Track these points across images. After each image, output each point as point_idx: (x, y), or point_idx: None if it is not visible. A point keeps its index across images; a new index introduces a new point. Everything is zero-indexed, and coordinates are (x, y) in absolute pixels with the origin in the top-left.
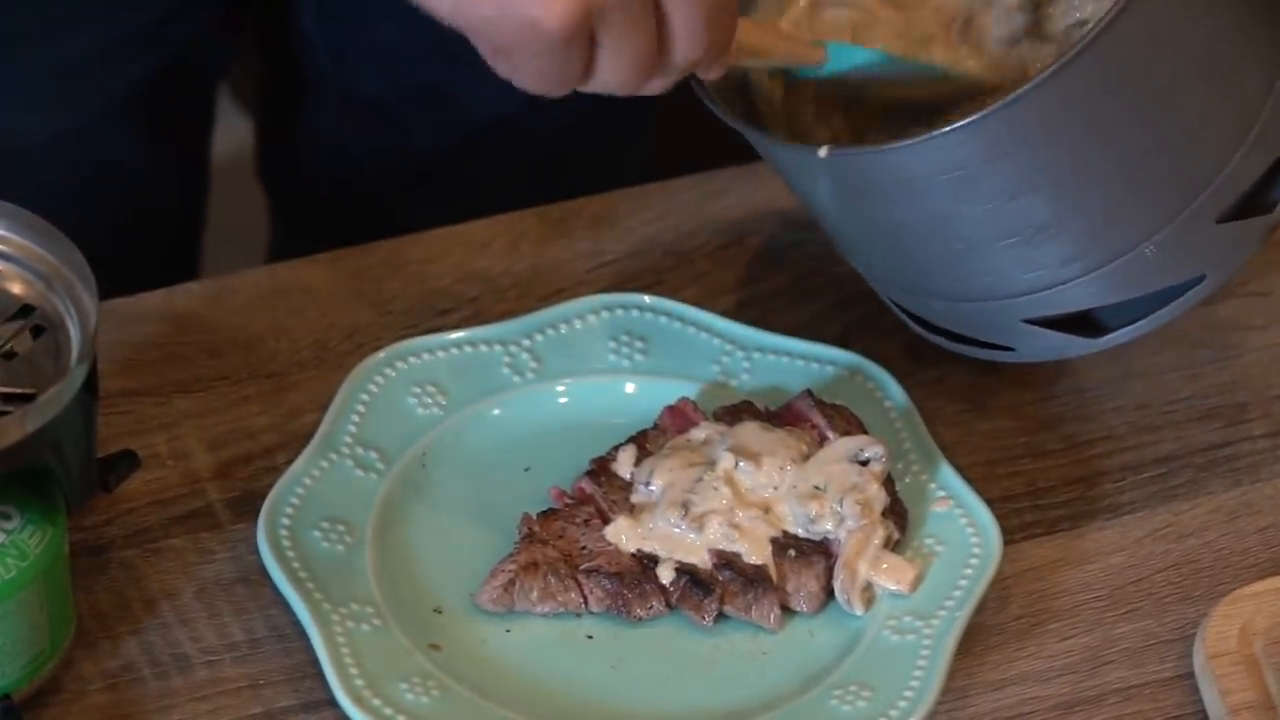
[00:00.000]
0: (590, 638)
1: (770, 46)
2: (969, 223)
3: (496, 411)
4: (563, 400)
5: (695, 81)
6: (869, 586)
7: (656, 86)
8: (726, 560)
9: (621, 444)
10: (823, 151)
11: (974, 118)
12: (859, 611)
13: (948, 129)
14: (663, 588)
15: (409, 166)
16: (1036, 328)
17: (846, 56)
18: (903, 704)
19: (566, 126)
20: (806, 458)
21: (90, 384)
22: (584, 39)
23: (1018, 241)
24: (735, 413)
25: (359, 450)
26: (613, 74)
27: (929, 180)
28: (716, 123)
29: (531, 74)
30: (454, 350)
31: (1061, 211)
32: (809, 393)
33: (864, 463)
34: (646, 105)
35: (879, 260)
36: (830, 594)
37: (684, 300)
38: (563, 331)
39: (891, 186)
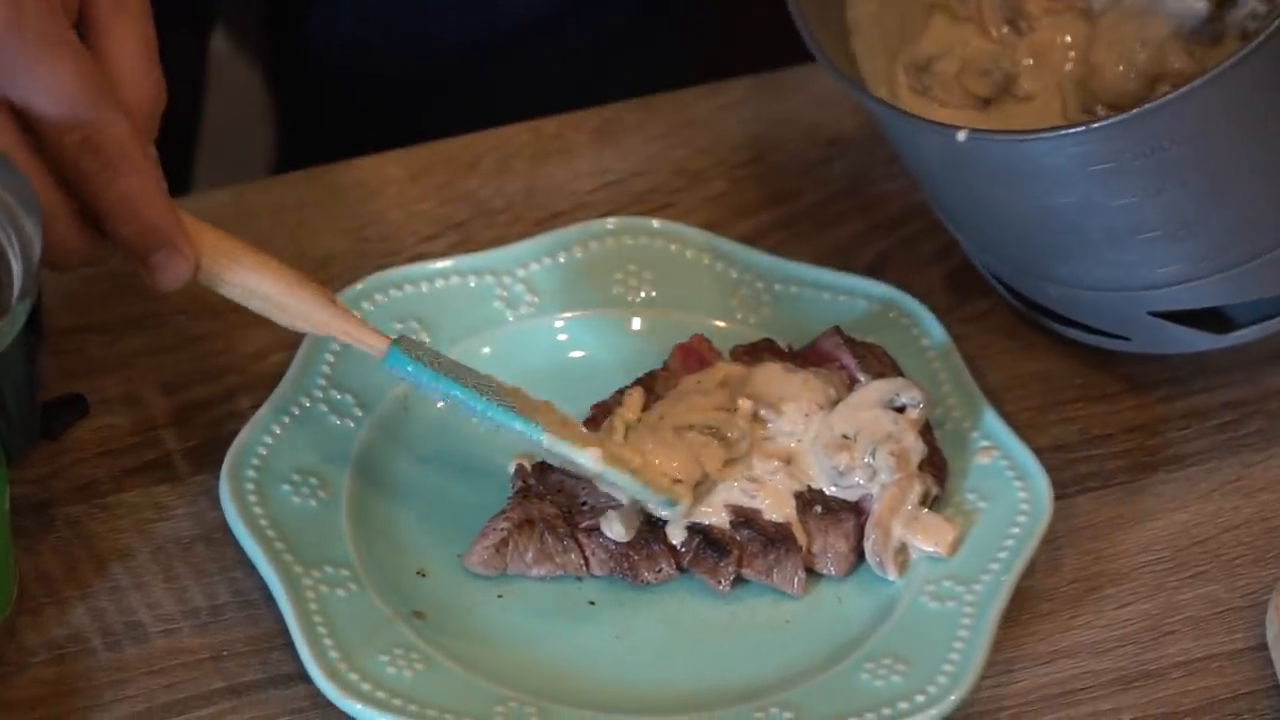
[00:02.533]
0: (592, 604)
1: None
2: (1109, 215)
3: (487, 350)
4: (561, 338)
5: (799, 20)
6: (904, 548)
7: None
8: (745, 518)
9: (627, 387)
10: (962, 135)
11: (1133, 113)
12: (893, 576)
13: (1105, 122)
14: (673, 549)
15: (431, 69)
16: (1161, 320)
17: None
18: (942, 679)
19: (611, 31)
20: (834, 403)
21: (34, 322)
22: None
23: (1157, 236)
24: (755, 352)
25: (333, 394)
26: None
27: (1074, 171)
28: (783, 31)
29: None
30: (439, 281)
31: (1205, 209)
32: (837, 329)
33: (899, 409)
34: (704, 7)
35: (995, 241)
36: (861, 556)
37: (697, 225)
38: (561, 260)
39: (1032, 174)
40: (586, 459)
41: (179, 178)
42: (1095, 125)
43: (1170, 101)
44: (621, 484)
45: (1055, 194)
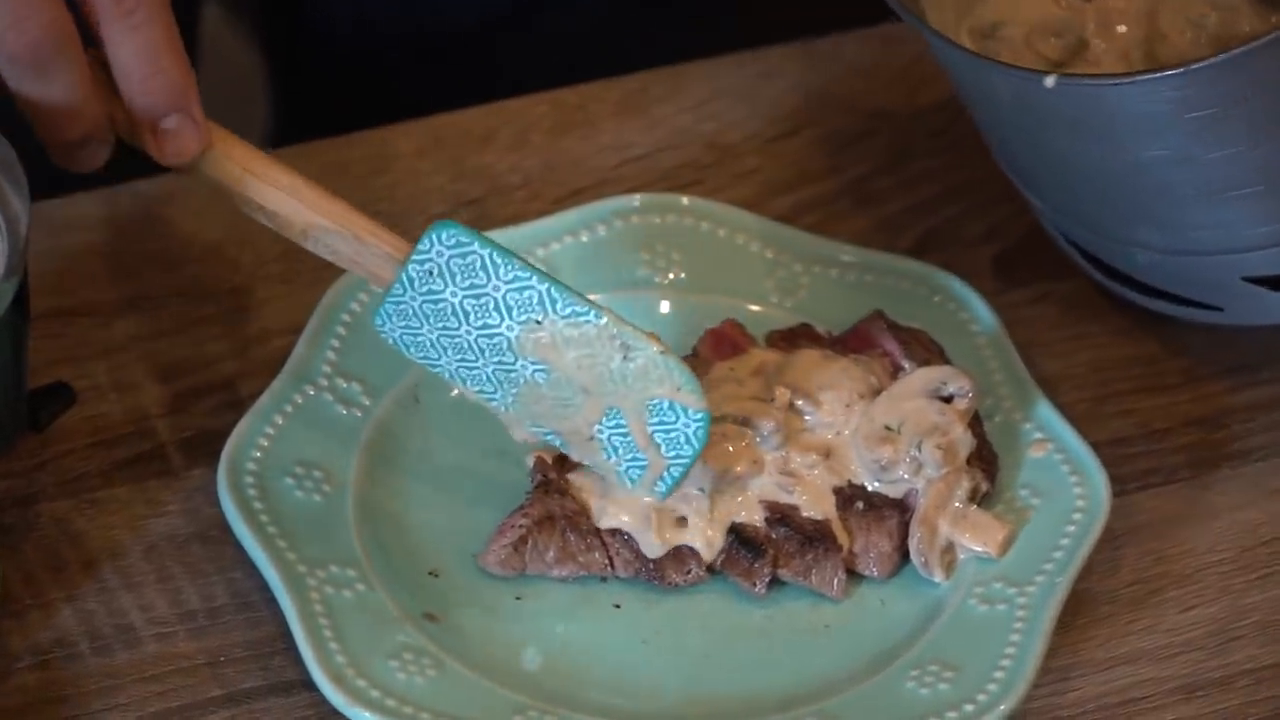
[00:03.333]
0: (617, 607)
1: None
2: (1204, 169)
3: None
4: None
5: None
6: (951, 547)
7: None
8: (781, 515)
9: None
10: (1050, 81)
11: (1237, 51)
12: (939, 578)
13: (1206, 63)
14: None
15: (438, 37)
16: (1257, 287)
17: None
18: (992, 687)
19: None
20: (877, 392)
21: (20, 303)
22: None
23: (1257, 193)
24: (791, 337)
25: (339, 382)
26: None
27: (1171, 119)
28: None
29: None
30: None
31: None
32: (880, 314)
33: (946, 399)
34: None
35: (1077, 203)
36: (905, 556)
37: (729, 202)
38: (583, 240)
39: (1124, 123)
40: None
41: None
42: (1196, 66)
43: (1269, 43)
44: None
45: (1147, 146)
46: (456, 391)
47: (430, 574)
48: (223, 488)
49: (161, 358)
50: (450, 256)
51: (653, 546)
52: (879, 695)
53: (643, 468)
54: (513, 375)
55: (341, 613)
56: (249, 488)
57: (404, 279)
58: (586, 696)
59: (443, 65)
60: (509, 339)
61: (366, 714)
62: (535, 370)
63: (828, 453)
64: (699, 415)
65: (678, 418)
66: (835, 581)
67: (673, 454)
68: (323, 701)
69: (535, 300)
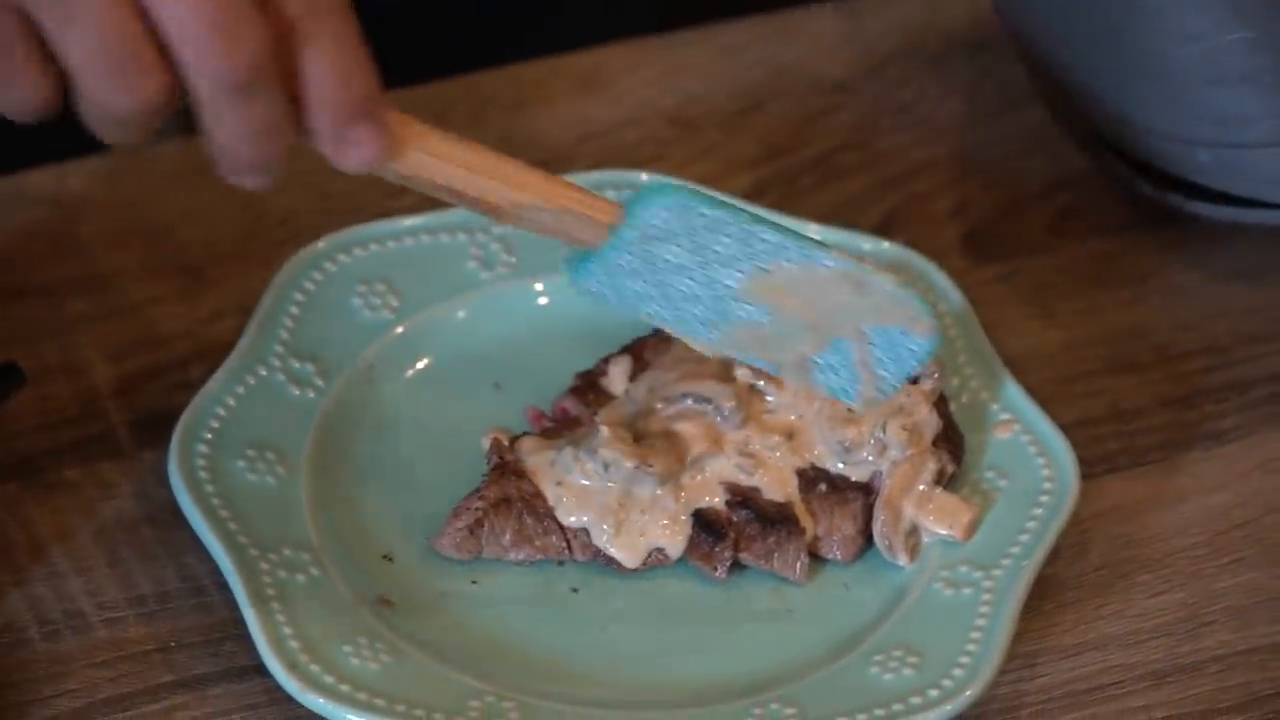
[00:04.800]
0: (575, 592)
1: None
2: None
3: (461, 315)
4: (542, 301)
5: None
6: (915, 531)
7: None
8: (743, 498)
9: (613, 355)
10: None
11: None
12: (903, 561)
13: None
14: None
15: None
16: None
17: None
18: (958, 672)
19: None
20: None
21: None
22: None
23: None
24: None
25: (292, 362)
26: (79, 84)
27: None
28: None
29: None
30: (408, 240)
31: None
32: None
33: (911, 379)
34: None
35: (1145, 102)
36: (869, 539)
37: (690, 179)
38: None
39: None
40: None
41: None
42: None
43: None
44: None
45: (1231, 27)
46: (412, 371)
47: (384, 558)
48: (174, 470)
49: (112, 338)
50: (669, 218)
51: (622, 557)
52: (842, 681)
53: (857, 386)
54: (729, 317)
55: (294, 597)
56: (200, 470)
57: (619, 241)
58: (543, 683)
59: (397, 41)
60: (733, 288)
61: (320, 700)
62: (759, 313)
63: (790, 434)
64: (926, 341)
65: (902, 343)
66: (798, 565)
67: (891, 377)
68: (276, 687)
69: (764, 251)
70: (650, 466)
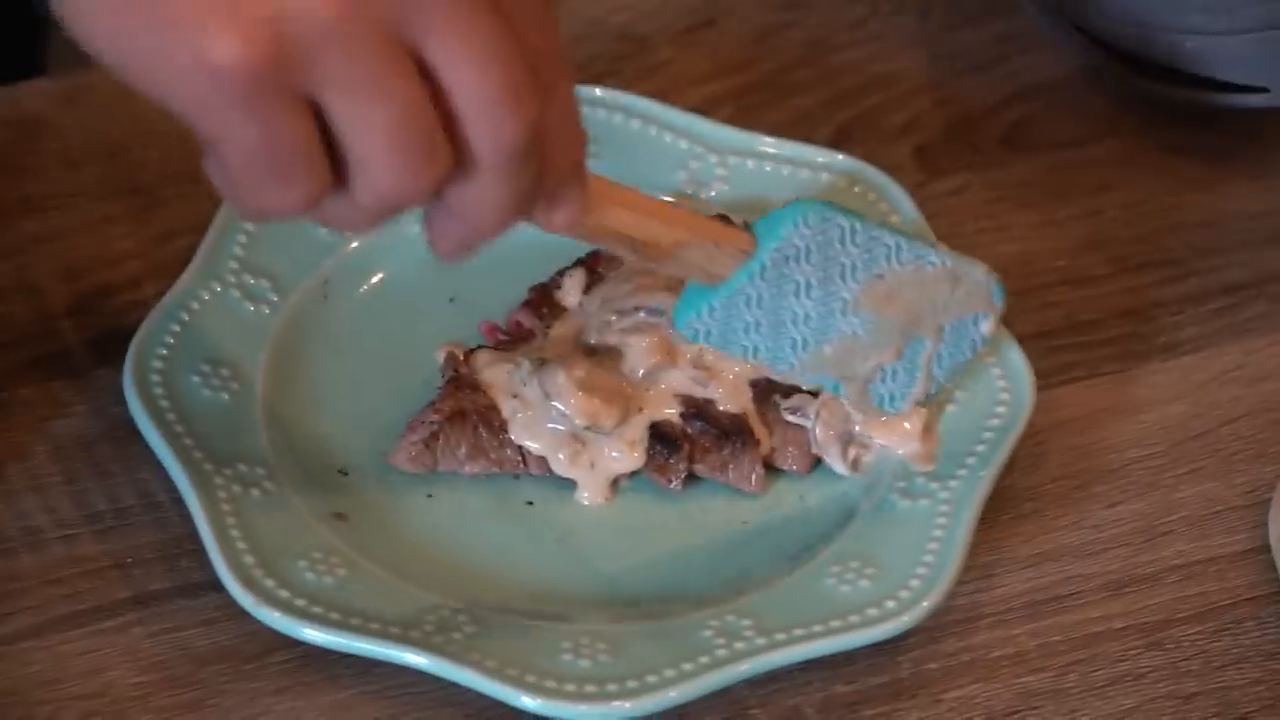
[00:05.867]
0: (530, 504)
1: (693, 222)
2: None
3: (416, 229)
4: None
5: None
6: (853, 439)
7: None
8: (696, 409)
9: (567, 268)
10: None
11: None
12: (841, 469)
13: None
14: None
15: None
16: None
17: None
18: (915, 583)
19: None
20: None
21: None
22: (288, 96)
23: None
24: None
25: (246, 278)
26: (369, 170)
27: None
28: None
29: (238, 162)
30: None
31: None
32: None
33: None
34: None
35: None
36: None
37: (643, 94)
38: None
39: None
40: None
41: (31, 57)
42: None
43: None
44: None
45: None
46: (366, 286)
47: (340, 472)
48: (129, 387)
49: (66, 257)
50: (813, 236)
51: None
52: (799, 592)
53: (910, 390)
54: (829, 332)
55: (249, 512)
56: (155, 386)
57: (753, 270)
58: (498, 596)
59: None
60: (846, 300)
61: (275, 614)
62: (860, 324)
63: None
64: (986, 330)
65: (966, 334)
66: (753, 476)
67: (943, 373)
68: (231, 602)
69: (883, 255)
70: (604, 427)
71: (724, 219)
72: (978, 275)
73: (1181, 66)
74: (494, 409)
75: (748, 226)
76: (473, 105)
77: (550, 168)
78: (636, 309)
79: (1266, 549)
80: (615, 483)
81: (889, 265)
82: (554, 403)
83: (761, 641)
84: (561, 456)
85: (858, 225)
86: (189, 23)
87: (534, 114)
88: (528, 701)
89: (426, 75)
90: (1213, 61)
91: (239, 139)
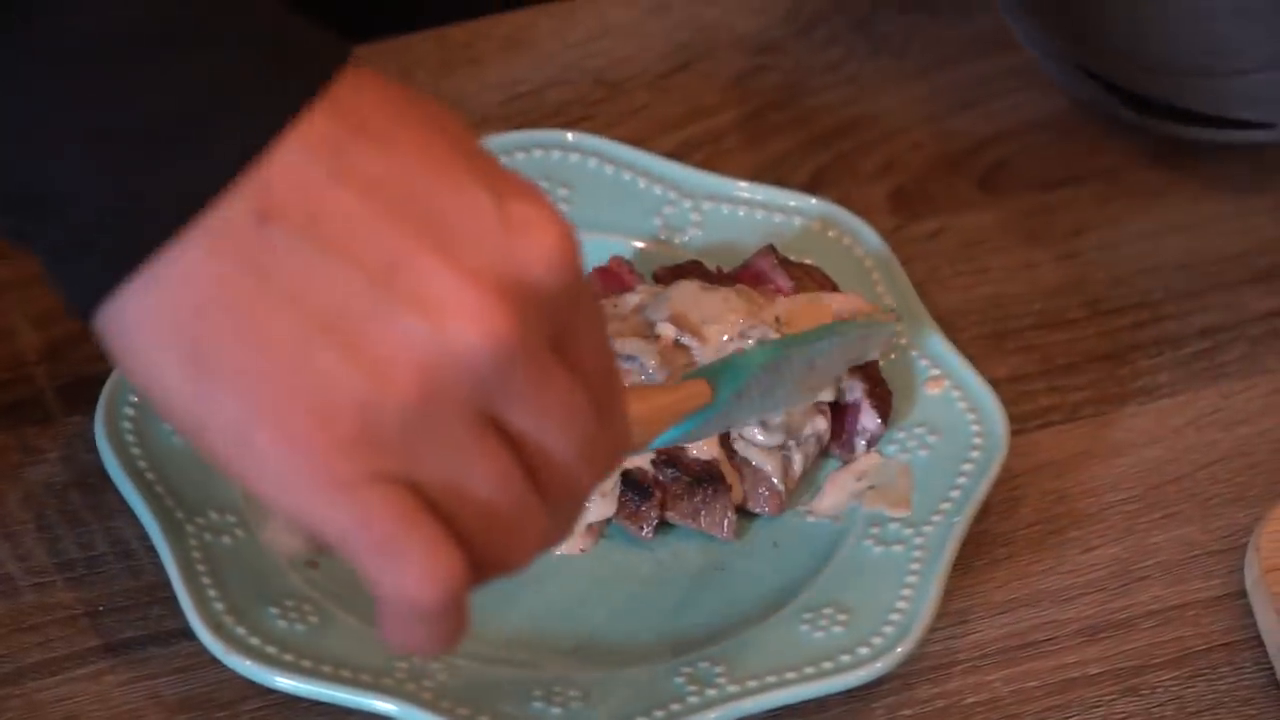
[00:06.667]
0: None
1: (663, 413)
2: None
3: None
4: None
5: None
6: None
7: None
8: (668, 456)
9: None
10: None
11: None
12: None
13: None
14: None
15: None
16: None
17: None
18: (888, 629)
19: None
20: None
21: None
22: (385, 479)
23: None
24: (680, 274)
25: None
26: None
27: None
28: None
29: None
30: None
31: None
32: (771, 249)
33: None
34: None
35: (1125, 33)
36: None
37: (617, 139)
38: None
39: None
40: None
41: None
42: None
43: None
44: None
45: None
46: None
47: None
48: (100, 434)
49: (37, 304)
50: (764, 374)
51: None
52: (772, 638)
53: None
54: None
55: (221, 560)
56: (126, 433)
57: (709, 415)
58: (470, 643)
59: (323, 4)
60: (783, 399)
61: (246, 661)
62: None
63: None
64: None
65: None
66: (725, 522)
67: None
68: (203, 650)
69: (819, 355)
70: None
71: (696, 264)
72: (888, 330)
73: (1188, 105)
74: None
75: (710, 374)
76: (554, 466)
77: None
78: None
79: (1243, 594)
80: (590, 530)
81: (820, 360)
82: None
83: (734, 689)
84: None
85: (805, 349)
86: (274, 417)
87: (607, 466)
88: None
89: (509, 440)
90: (1221, 100)
91: (340, 525)
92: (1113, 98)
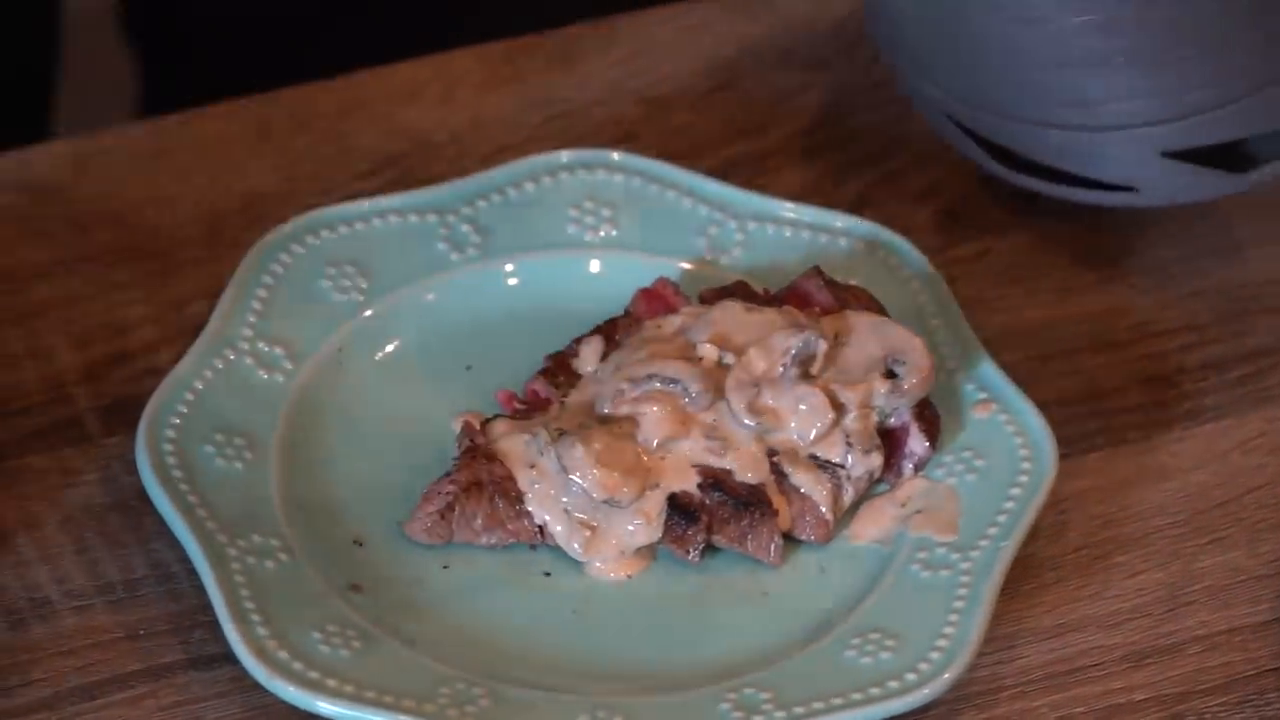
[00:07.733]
0: (547, 575)
1: None
2: (1124, 34)
3: (430, 297)
4: (512, 282)
5: None
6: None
7: None
8: (714, 479)
9: (584, 336)
10: None
11: None
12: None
13: None
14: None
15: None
16: (1174, 162)
17: None
18: (935, 655)
19: None
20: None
21: None
22: None
23: (1180, 59)
24: (726, 295)
25: (260, 346)
26: None
27: None
28: None
29: None
30: (377, 221)
31: (1237, 24)
32: (817, 270)
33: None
34: None
35: (991, 84)
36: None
37: (661, 158)
38: (511, 198)
39: None
40: None
41: (39, 123)
42: None
43: None
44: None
45: (1075, 10)
46: (381, 354)
47: (355, 543)
48: (141, 455)
49: (77, 325)
50: None
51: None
52: (819, 664)
53: None
54: None
55: (263, 584)
56: (168, 455)
57: None
58: (515, 668)
59: (365, 19)
60: None
61: (289, 687)
62: None
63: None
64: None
65: None
66: (772, 547)
67: None
68: (245, 675)
69: None
70: (622, 501)
71: (742, 285)
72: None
73: (1047, 162)
74: (510, 479)
75: None
76: None
77: None
78: (649, 377)
79: None
80: (638, 555)
81: None
82: (572, 476)
83: (780, 715)
84: (576, 545)
85: None
86: None
87: None
88: None
89: None
90: (1077, 159)
91: None
92: (981, 149)
